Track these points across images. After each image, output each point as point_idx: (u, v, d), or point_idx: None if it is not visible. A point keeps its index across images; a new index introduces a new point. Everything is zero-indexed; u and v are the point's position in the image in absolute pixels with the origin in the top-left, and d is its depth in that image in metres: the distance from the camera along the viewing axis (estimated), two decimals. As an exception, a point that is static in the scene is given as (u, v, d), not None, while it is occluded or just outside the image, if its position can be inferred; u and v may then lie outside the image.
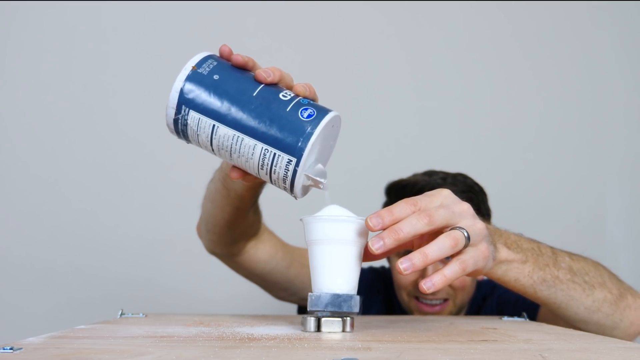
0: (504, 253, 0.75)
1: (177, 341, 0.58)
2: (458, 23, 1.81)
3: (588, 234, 1.79)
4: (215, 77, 0.67)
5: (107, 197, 1.69)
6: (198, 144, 0.69)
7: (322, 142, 0.66)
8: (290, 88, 0.68)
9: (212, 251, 1.07)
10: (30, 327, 1.61)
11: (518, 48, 1.82)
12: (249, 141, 0.65)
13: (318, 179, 0.66)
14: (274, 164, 0.64)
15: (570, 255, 0.86)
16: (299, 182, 0.64)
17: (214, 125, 0.66)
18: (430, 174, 1.16)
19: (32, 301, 1.65)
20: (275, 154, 0.64)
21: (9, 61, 1.69)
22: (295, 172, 0.64)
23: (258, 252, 1.07)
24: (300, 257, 1.13)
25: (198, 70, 0.67)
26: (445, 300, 1.12)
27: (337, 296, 0.65)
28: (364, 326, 0.73)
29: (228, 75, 0.67)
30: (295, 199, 0.68)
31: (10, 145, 1.68)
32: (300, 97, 0.66)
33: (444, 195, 0.68)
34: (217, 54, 0.70)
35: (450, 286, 1.10)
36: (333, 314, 0.65)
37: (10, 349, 0.50)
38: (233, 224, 0.98)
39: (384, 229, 0.63)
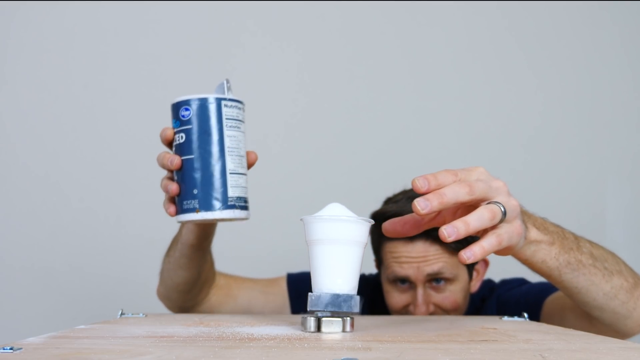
0: (533, 233, 0.76)
1: (177, 341, 0.58)
2: (458, 23, 1.81)
3: (588, 233, 1.77)
4: None
5: (107, 197, 1.69)
6: None
7: None
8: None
9: (181, 308, 1.09)
10: (30, 327, 1.61)
11: (518, 48, 1.82)
12: None
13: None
14: None
15: (590, 242, 0.87)
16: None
17: None
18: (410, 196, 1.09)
19: (32, 301, 1.65)
20: None
21: (9, 61, 1.69)
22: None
23: (219, 298, 1.11)
24: (262, 286, 1.17)
25: None
26: None
27: (337, 296, 0.65)
28: (364, 326, 0.73)
29: None
30: None
31: (10, 145, 1.68)
32: None
33: (479, 172, 0.71)
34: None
35: (441, 308, 1.10)
36: (333, 314, 0.65)
37: (10, 349, 0.51)
38: (200, 275, 1.02)
39: (429, 193, 0.65)
